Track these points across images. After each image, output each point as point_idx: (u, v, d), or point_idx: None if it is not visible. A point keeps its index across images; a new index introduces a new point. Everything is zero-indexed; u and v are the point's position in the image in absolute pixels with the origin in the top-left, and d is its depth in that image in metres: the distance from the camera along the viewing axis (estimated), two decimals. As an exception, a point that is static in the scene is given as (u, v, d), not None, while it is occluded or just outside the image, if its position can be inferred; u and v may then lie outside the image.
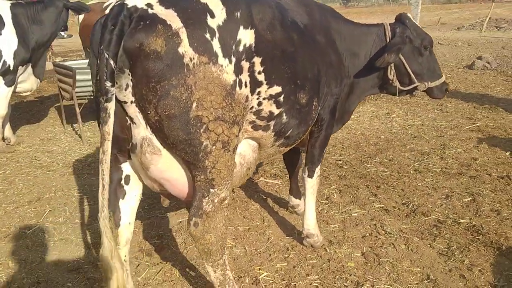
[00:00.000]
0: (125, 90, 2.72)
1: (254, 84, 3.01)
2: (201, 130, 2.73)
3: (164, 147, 2.87)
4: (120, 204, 3.20)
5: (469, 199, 5.23)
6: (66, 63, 9.12)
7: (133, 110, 2.79)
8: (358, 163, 6.53)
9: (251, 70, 2.96)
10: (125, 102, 2.77)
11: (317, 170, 4.26)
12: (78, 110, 8.01)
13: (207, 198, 2.92)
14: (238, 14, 2.92)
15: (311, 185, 4.28)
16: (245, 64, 2.91)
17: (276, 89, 3.17)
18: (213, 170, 2.85)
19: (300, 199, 5.01)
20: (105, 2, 10.70)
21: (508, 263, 4.02)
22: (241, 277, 3.95)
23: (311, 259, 4.19)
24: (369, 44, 4.19)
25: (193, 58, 2.63)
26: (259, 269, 4.06)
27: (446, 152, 6.78)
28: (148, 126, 2.82)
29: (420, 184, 5.71)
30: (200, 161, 2.81)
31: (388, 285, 3.78)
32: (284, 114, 3.32)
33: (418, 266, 4.02)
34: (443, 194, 5.41)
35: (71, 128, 8.99)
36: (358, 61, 4.17)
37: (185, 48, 2.62)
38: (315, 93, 3.58)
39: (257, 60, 2.98)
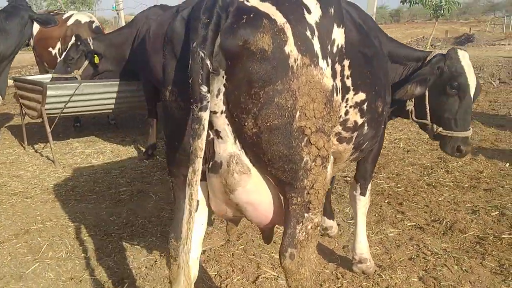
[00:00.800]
0: (216, 97, 2.29)
1: (344, 90, 2.72)
2: (303, 144, 2.35)
3: (254, 165, 2.47)
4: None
5: (496, 212, 5.10)
6: (30, 78, 8.27)
7: (222, 121, 2.36)
8: (366, 179, 6.27)
9: (342, 74, 2.67)
10: (214, 112, 2.33)
11: (369, 187, 3.98)
12: (48, 130, 7.24)
13: (301, 224, 2.52)
14: (332, 10, 2.56)
15: (363, 203, 4.00)
16: (338, 67, 2.61)
17: (361, 95, 2.90)
18: (311, 191, 2.47)
19: (333, 220, 4.66)
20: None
21: None
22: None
23: (368, 287, 3.83)
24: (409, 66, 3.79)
25: (297, 59, 2.28)
26: (317, 302, 3.64)
27: (449, 165, 6.69)
28: (237, 141, 2.41)
29: (440, 199, 5.53)
30: (299, 181, 2.42)
31: (461, 312, 3.49)
32: (366, 124, 3.04)
33: (482, 288, 3.77)
34: (468, 208, 5.24)
35: (33, 149, 8.13)
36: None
37: (290, 47, 2.26)
38: (385, 102, 3.31)
39: (346, 63, 2.70)
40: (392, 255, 4.30)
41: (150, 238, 4.66)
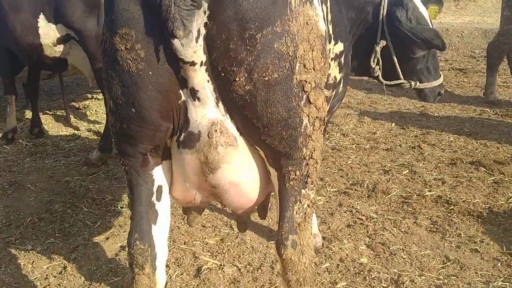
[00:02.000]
0: (196, 41, 1.73)
1: (328, 38, 2.35)
2: (302, 103, 1.91)
3: (240, 134, 1.98)
4: (154, 235, 2.14)
5: (407, 171, 5.13)
6: None
7: (201, 77, 1.81)
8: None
9: (326, 19, 2.35)
10: (192, 64, 1.77)
11: None
12: None
13: (298, 203, 2.10)
14: None
15: None
16: (324, 9, 2.27)
17: (340, 46, 2.62)
18: (310, 162, 2.06)
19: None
20: None
21: (497, 229, 3.96)
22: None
23: (321, 263, 3.49)
24: (363, 15, 3.38)
25: None
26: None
27: (343, 129, 6.66)
28: (220, 103, 1.89)
29: (349, 162, 5.42)
30: (298, 150, 1.98)
31: (419, 275, 3.34)
32: (343, 80, 2.75)
33: (428, 249, 3.68)
34: (379, 169, 5.21)
35: None
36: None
37: None
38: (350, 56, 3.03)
39: (327, 5, 2.39)
40: (330, 224, 4.03)
41: (47, 239, 3.73)
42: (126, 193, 4.39)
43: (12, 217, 4.04)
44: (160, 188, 2.13)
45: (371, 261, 3.52)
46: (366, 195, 4.57)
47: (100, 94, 8.46)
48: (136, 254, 2.09)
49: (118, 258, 3.48)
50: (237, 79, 1.78)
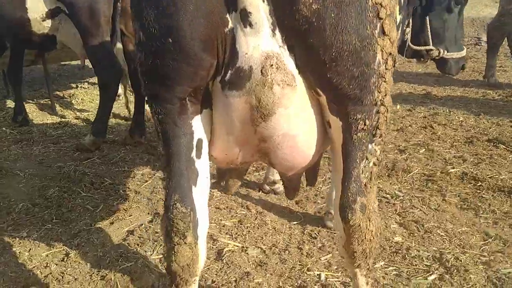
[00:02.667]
0: None
1: None
2: (376, 33, 1.58)
3: (299, 73, 1.63)
4: (195, 197, 1.80)
5: (424, 149, 4.84)
6: None
7: None
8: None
9: None
10: None
11: None
12: None
13: (365, 160, 1.78)
14: None
15: None
16: None
17: None
18: (381, 109, 1.73)
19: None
20: None
21: (531, 204, 3.69)
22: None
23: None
24: None
25: None
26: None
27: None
28: (277, 31, 1.55)
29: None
30: (370, 92, 1.65)
31: (461, 252, 3.04)
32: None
33: (464, 226, 3.39)
34: (394, 149, 4.91)
35: None
36: None
37: None
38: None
39: None
40: (354, 203, 3.69)
41: (43, 225, 3.32)
42: (128, 178, 4.03)
43: (2, 204, 3.60)
44: (200, 142, 1.79)
45: (407, 240, 3.20)
46: (387, 174, 4.26)
47: (85, 83, 8.05)
48: (176, 219, 1.75)
49: (127, 243, 3.10)
50: None
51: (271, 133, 1.72)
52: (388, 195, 3.83)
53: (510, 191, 3.86)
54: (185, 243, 1.77)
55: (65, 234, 3.19)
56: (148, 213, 3.53)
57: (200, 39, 1.53)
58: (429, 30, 3.32)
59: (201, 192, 1.82)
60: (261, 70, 1.56)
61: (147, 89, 1.73)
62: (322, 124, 1.82)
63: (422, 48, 3.43)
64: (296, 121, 1.72)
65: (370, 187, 1.84)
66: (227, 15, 1.53)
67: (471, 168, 4.32)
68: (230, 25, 1.54)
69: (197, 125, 1.76)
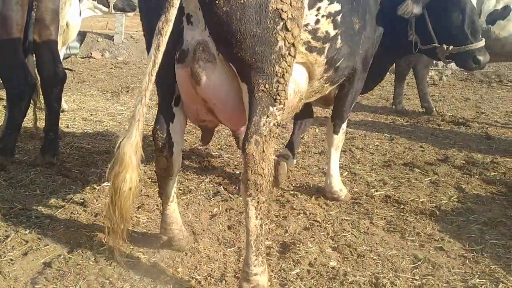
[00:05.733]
0: None
1: None
2: (278, 27, 2.38)
3: (218, 54, 2.49)
4: (170, 129, 2.83)
5: (346, 173, 4.94)
6: None
7: (193, 5, 2.41)
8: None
9: None
10: None
11: (344, 127, 4.15)
12: None
13: (265, 117, 2.49)
14: None
15: (336, 141, 4.16)
16: None
17: (336, 6, 2.96)
18: (281, 80, 2.47)
19: (292, 157, 4.65)
20: None
21: (451, 227, 3.86)
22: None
23: (291, 269, 3.08)
24: None
25: None
26: None
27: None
28: (206, 27, 2.44)
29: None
30: (270, 65, 2.41)
31: (395, 276, 3.07)
32: (339, 37, 3.08)
33: (393, 249, 3.45)
34: (317, 172, 4.94)
35: None
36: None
37: None
38: (363, 23, 3.38)
39: None
40: (287, 228, 3.63)
41: None
42: (40, 203, 3.67)
43: None
44: (178, 97, 2.81)
45: (342, 264, 3.18)
46: (314, 197, 4.26)
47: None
48: (156, 140, 2.83)
49: (45, 277, 2.77)
50: (217, 2, 2.28)
51: (205, 95, 2.58)
52: (319, 219, 3.81)
53: (431, 214, 4.01)
54: (162, 155, 2.84)
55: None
56: (67, 242, 3.20)
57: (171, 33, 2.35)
58: (430, 28, 3.67)
59: (177, 127, 2.85)
60: (194, 51, 2.47)
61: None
62: (246, 92, 2.51)
63: (427, 47, 3.73)
64: (219, 88, 2.56)
65: (269, 138, 2.50)
66: (182, 17, 2.45)
67: (392, 191, 4.45)
68: (182, 24, 2.48)
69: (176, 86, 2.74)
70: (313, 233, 3.57)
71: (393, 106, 8.32)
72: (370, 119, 7.66)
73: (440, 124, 7.39)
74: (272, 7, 2.30)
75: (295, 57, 2.49)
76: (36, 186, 4.07)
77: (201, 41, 2.43)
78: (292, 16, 2.38)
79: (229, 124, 2.89)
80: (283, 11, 2.33)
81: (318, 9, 2.84)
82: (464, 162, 5.38)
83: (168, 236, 3.07)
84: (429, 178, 4.89)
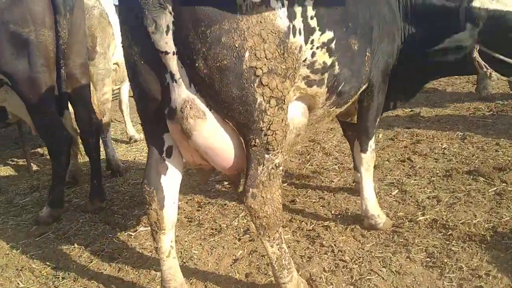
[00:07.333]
0: (166, 33, 2.32)
1: (308, 32, 2.63)
2: (255, 85, 2.40)
3: (210, 110, 2.51)
4: (162, 181, 2.83)
5: (396, 191, 4.52)
6: None
7: (175, 63, 2.40)
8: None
9: (304, 16, 2.59)
10: (166, 53, 2.36)
11: (371, 144, 3.82)
12: None
13: (262, 165, 2.60)
14: None
15: (366, 161, 3.84)
16: (298, 9, 2.54)
17: (328, 34, 2.78)
18: (269, 132, 2.53)
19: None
20: None
21: (504, 255, 3.34)
22: None
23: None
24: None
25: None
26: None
27: (325, 147, 6.06)
28: (192, 85, 2.46)
29: (332, 185, 4.80)
30: (255, 122, 2.49)
31: None
32: (337, 63, 2.92)
33: (425, 292, 3.05)
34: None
35: None
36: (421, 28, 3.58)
37: None
38: (367, 41, 3.18)
39: (309, 3, 2.61)
40: (308, 269, 3.40)
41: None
42: (75, 259, 3.81)
43: None
44: (170, 148, 2.80)
45: None
46: (350, 228, 3.94)
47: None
48: (145, 195, 2.82)
49: None
50: (196, 65, 2.33)
51: (197, 146, 2.60)
52: (347, 257, 3.52)
53: (482, 240, 3.54)
54: (151, 208, 2.82)
55: None
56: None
57: (155, 90, 2.54)
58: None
59: (170, 180, 2.84)
60: (181, 109, 2.45)
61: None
62: (238, 140, 2.62)
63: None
64: (211, 140, 2.57)
65: (269, 183, 2.62)
66: (166, 75, 2.45)
67: (444, 212, 4.00)
68: (168, 81, 2.47)
69: (167, 137, 2.77)
70: (335, 277, 3.30)
71: (477, 92, 7.50)
72: (447, 112, 6.98)
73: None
74: (246, 66, 2.32)
75: (280, 105, 2.51)
76: (78, 237, 4.27)
77: (187, 99, 2.44)
78: (269, 69, 2.39)
79: (222, 169, 2.84)
80: (257, 68, 2.35)
81: (312, 42, 2.70)
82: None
83: None
84: (494, 189, 4.32)
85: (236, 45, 2.29)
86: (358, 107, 3.73)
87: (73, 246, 4.09)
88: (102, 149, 5.50)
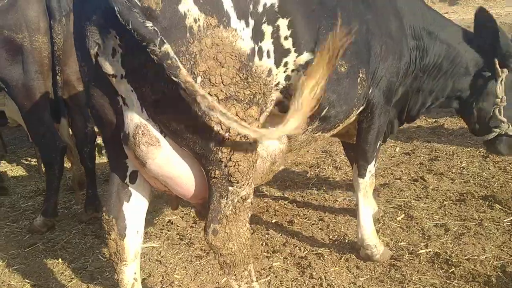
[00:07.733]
0: (112, 57, 2.12)
1: (280, 54, 2.39)
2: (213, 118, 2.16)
3: (164, 136, 2.29)
4: (124, 209, 2.61)
5: (402, 216, 4.20)
6: None
7: (124, 87, 2.20)
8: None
9: (276, 36, 2.35)
10: (114, 76, 2.17)
11: (370, 169, 3.53)
12: None
13: (225, 198, 2.35)
14: None
15: (363, 186, 3.54)
16: (267, 28, 2.30)
17: (307, 56, 2.49)
18: (229, 163, 2.28)
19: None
20: None
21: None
22: None
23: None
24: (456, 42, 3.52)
25: (199, 20, 2.05)
26: None
27: (337, 160, 5.76)
28: (144, 110, 2.22)
29: (336, 205, 4.52)
30: (213, 153, 2.24)
31: None
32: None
33: None
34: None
35: None
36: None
37: (188, 6, 2.04)
38: (361, 62, 2.91)
39: (283, 22, 2.35)
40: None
41: None
42: (58, 276, 3.69)
43: None
44: (134, 173, 2.58)
45: None
46: (345, 258, 3.66)
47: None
48: (103, 223, 2.62)
49: None
50: (143, 90, 2.13)
51: (153, 173, 2.37)
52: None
53: (487, 281, 3.20)
54: (110, 238, 2.60)
55: None
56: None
57: (110, 114, 2.34)
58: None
59: (133, 207, 2.62)
60: (133, 135, 2.24)
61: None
62: (199, 168, 2.35)
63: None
64: (166, 168, 2.33)
65: (234, 217, 2.37)
66: (118, 98, 2.25)
67: (449, 244, 3.67)
68: (120, 103, 2.26)
69: (130, 162, 2.54)
70: (318, 316, 3.05)
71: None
72: (473, 125, 6.52)
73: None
74: (204, 106, 2.04)
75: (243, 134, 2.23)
76: (65, 251, 4.15)
77: (140, 124, 2.22)
78: (226, 95, 2.13)
79: (185, 198, 2.60)
80: (211, 95, 2.07)
81: (286, 64, 2.45)
82: None
83: None
84: (510, 218, 3.94)
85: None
86: (358, 128, 3.45)
87: (57, 261, 3.97)
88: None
